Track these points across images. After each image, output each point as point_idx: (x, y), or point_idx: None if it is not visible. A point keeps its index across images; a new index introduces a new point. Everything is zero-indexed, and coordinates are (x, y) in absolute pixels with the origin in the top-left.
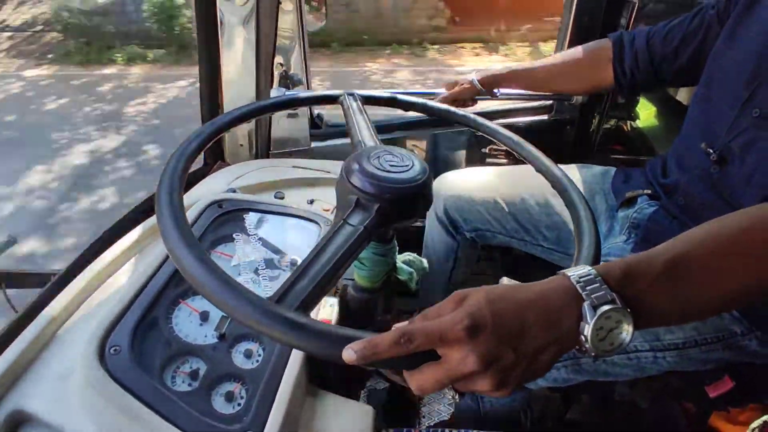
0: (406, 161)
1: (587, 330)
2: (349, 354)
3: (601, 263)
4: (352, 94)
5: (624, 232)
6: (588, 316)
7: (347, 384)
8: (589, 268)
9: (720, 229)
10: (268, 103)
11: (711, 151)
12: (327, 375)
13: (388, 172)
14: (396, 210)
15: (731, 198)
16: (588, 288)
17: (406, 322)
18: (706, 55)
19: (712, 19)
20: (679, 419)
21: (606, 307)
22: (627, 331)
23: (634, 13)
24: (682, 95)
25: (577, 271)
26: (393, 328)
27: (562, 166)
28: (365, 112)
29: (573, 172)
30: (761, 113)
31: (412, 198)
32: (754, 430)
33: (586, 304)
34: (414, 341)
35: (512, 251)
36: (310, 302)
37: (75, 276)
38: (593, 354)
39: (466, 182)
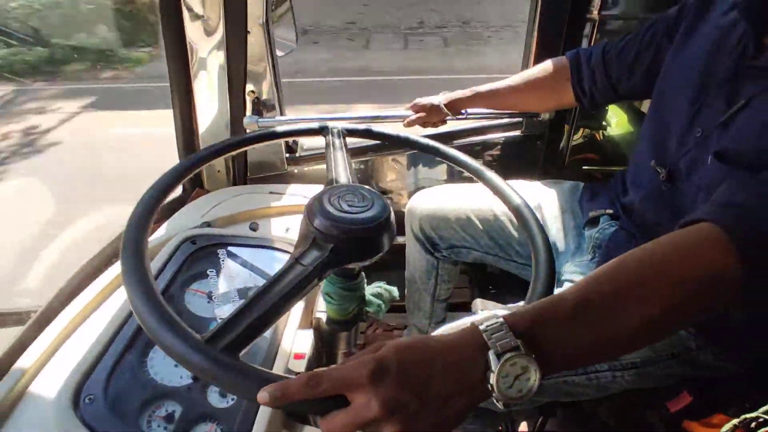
0: (367, 201)
1: (492, 378)
2: (263, 396)
3: (518, 307)
4: (334, 129)
5: (589, 251)
6: (492, 364)
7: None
8: (498, 316)
9: (619, 268)
10: (251, 137)
11: (660, 169)
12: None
13: (346, 212)
14: (350, 250)
15: (682, 217)
16: (494, 336)
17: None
18: (658, 71)
19: (662, 36)
20: (652, 427)
21: (510, 354)
22: (534, 377)
23: (596, 29)
24: (646, 106)
25: (486, 321)
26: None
27: (532, 184)
28: (345, 146)
29: (542, 189)
30: (703, 133)
31: (367, 239)
32: None
33: (490, 353)
34: (321, 385)
35: (487, 268)
36: (240, 342)
37: (49, 321)
38: (501, 403)
39: (441, 200)
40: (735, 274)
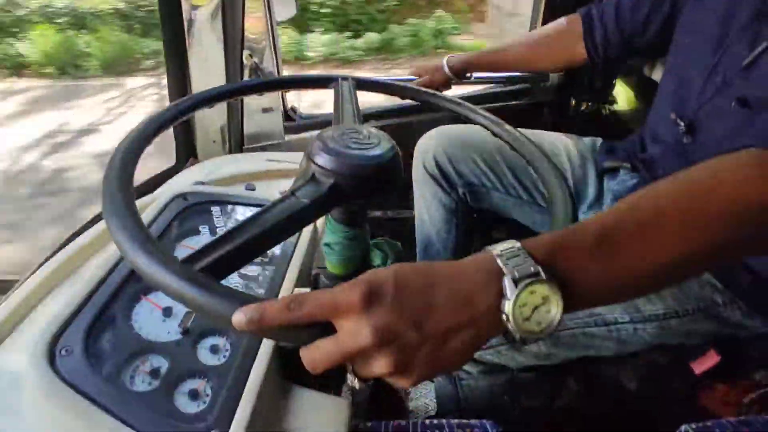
0: (373, 139)
1: (508, 307)
2: (238, 318)
3: (531, 238)
4: (346, 79)
5: (608, 205)
6: (508, 292)
7: (326, 379)
8: (514, 241)
9: (651, 197)
10: (255, 82)
11: (680, 120)
12: (303, 371)
13: (350, 148)
14: (352, 187)
15: None
16: (510, 261)
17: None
18: (675, 24)
19: None
20: (667, 399)
21: (529, 280)
22: (556, 308)
23: None
24: (658, 74)
25: (500, 246)
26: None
27: (549, 133)
28: (355, 97)
29: (560, 139)
30: (724, 79)
31: (372, 176)
32: (744, 406)
33: (506, 278)
34: (304, 307)
35: (493, 233)
36: (219, 267)
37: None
38: (518, 336)
39: (458, 134)
40: None
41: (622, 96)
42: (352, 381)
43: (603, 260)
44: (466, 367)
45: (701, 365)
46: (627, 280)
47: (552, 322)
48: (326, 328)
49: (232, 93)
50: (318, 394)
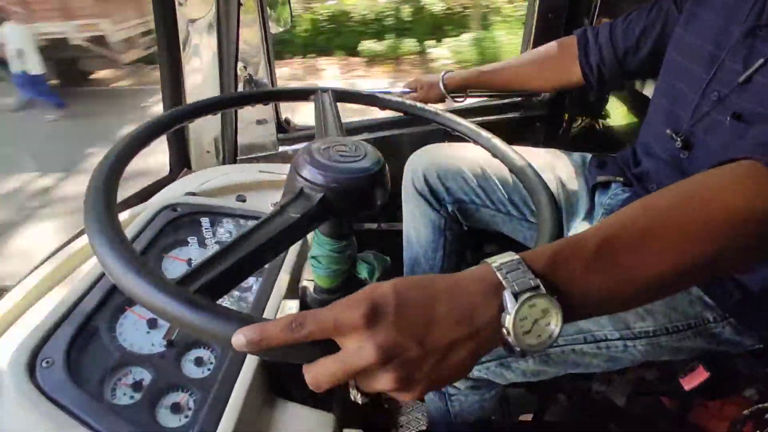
0: (359, 152)
1: (508, 321)
2: (238, 339)
3: (531, 250)
4: (326, 91)
5: (599, 219)
6: (509, 305)
7: (314, 394)
8: (513, 254)
9: (649, 208)
10: (236, 95)
11: (676, 136)
12: (290, 384)
13: (337, 162)
14: (341, 201)
15: None
16: (510, 275)
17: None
18: (667, 44)
19: (669, 9)
20: (657, 415)
21: (529, 294)
22: (556, 321)
23: (597, 6)
24: (649, 90)
25: (500, 259)
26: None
27: (538, 150)
28: (336, 108)
29: (550, 154)
30: (719, 95)
31: (359, 189)
32: (736, 423)
33: (506, 292)
34: (305, 327)
35: (485, 248)
36: (214, 287)
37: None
38: (518, 349)
39: (447, 152)
40: None
41: (615, 111)
42: (355, 396)
43: (602, 272)
44: (455, 383)
45: (690, 382)
46: (625, 291)
47: (552, 335)
48: (329, 347)
49: (208, 108)
50: (303, 407)
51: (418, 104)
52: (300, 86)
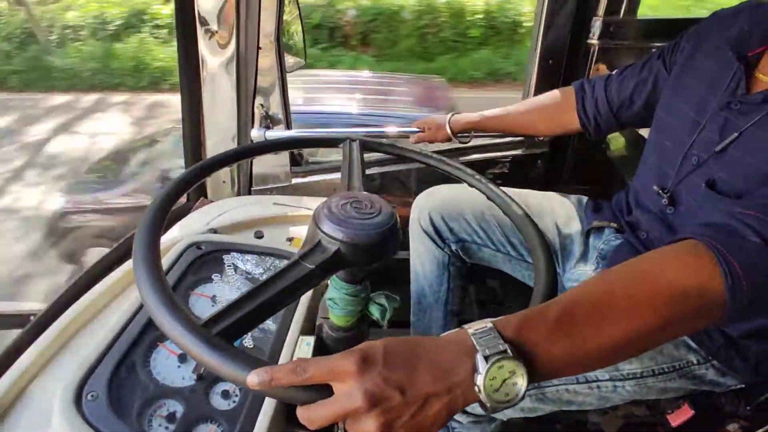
0: (374, 209)
1: (480, 380)
2: (252, 378)
3: (505, 316)
4: (354, 140)
5: (593, 261)
6: (480, 366)
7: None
8: (488, 322)
9: (605, 280)
10: (262, 144)
11: (662, 193)
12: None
13: (353, 217)
14: (354, 253)
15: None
16: (482, 339)
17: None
18: (657, 101)
19: (659, 69)
20: None
21: (497, 357)
22: (521, 381)
23: (594, 56)
24: (646, 130)
25: (475, 326)
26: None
27: (535, 192)
28: (362, 157)
29: (547, 197)
30: (699, 160)
31: (372, 244)
32: None
33: (478, 355)
34: (308, 371)
35: (487, 282)
36: (235, 329)
37: (54, 320)
38: (489, 405)
39: (452, 194)
40: (719, 286)
41: (614, 149)
42: None
43: (562, 338)
44: (457, 417)
45: (677, 418)
46: (586, 354)
47: (518, 394)
48: (324, 391)
49: (243, 154)
50: None
51: (437, 155)
52: (329, 134)
